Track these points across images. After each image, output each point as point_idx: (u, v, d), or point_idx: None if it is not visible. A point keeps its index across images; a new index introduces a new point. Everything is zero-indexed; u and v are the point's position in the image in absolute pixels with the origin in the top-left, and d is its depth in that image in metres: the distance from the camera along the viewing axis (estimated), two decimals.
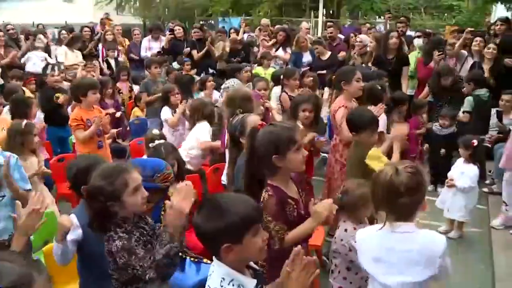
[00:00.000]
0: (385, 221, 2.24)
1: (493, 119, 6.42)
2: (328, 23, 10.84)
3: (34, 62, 8.33)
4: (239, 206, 1.77)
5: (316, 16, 19.71)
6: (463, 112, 6.34)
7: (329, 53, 8.13)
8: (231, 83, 5.52)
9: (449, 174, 4.94)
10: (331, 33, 9.09)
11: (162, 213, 2.68)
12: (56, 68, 6.60)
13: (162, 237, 2.22)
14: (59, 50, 8.90)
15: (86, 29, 10.05)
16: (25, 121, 4.22)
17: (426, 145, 6.37)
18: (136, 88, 7.88)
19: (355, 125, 3.83)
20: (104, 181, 2.25)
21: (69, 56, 8.58)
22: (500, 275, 3.97)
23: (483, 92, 6.31)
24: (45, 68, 7.10)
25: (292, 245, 2.13)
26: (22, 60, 8.49)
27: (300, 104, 4.39)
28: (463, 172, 4.74)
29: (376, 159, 3.60)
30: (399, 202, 2.13)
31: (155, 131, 4.35)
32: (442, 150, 6.15)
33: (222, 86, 5.66)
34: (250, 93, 4.46)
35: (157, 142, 3.68)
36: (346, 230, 2.96)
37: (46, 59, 8.42)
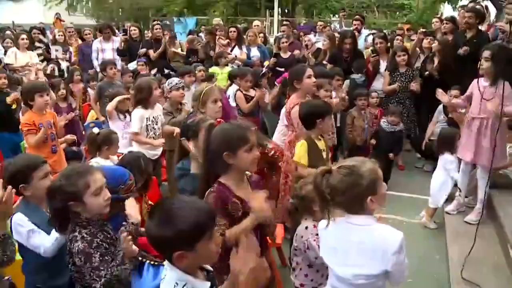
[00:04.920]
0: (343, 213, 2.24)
1: (441, 114, 6.64)
2: (284, 22, 11.00)
3: None
4: (191, 214, 1.71)
5: (272, 15, 19.87)
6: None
7: (289, 53, 8.31)
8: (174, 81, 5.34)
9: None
10: (283, 31, 9.45)
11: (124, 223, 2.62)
12: None
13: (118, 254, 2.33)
14: (9, 51, 8.50)
15: (35, 30, 9.66)
16: None
17: (373, 140, 6.41)
18: (91, 92, 7.63)
19: (311, 118, 3.89)
20: (65, 181, 2.29)
21: (19, 58, 8.24)
22: (454, 264, 4.11)
23: (357, 76, 7.11)
24: None
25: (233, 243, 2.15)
26: None
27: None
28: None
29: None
30: (335, 201, 2.17)
31: (95, 130, 4.34)
32: (391, 154, 6.27)
33: (168, 87, 5.35)
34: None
35: (134, 150, 3.56)
36: (306, 227, 2.99)
37: None
